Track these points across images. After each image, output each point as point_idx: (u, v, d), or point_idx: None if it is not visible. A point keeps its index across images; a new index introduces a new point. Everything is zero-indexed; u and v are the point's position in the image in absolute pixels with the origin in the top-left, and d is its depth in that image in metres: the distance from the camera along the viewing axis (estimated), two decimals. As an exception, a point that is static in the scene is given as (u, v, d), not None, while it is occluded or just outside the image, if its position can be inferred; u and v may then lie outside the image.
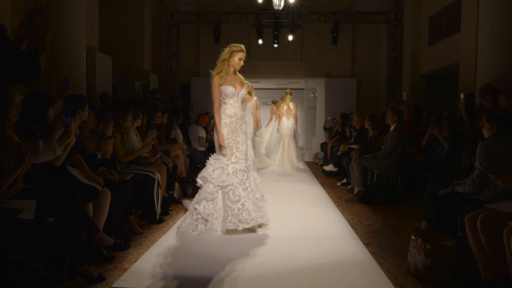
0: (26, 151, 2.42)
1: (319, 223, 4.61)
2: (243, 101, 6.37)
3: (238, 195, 4.01)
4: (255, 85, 13.47)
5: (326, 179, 7.80)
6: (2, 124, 2.13)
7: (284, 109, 9.03)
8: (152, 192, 4.37)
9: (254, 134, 8.22)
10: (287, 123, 9.02)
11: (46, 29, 2.07)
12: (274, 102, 10.73)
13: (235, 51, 4.15)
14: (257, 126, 8.31)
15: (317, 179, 7.74)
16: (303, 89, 13.82)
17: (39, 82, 2.15)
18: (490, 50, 5.96)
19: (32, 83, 2.01)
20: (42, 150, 2.81)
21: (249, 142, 6.77)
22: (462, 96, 5.96)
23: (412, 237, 3.13)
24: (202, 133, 8.11)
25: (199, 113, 9.49)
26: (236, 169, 4.14)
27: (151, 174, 4.42)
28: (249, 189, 4.18)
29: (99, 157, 3.75)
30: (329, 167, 8.12)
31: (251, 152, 6.71)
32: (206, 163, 4.23)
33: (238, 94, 4.24)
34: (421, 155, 6.21)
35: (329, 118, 11.34)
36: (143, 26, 10.62)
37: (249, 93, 6.79)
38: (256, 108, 8.02)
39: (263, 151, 9.47)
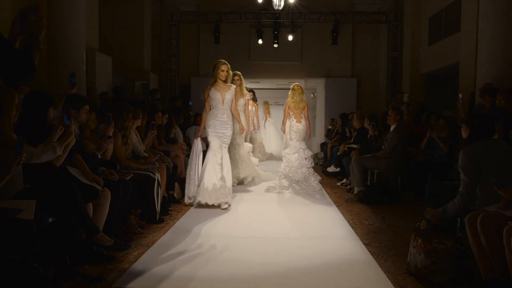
0: (12, 162, 2.40)
1: (319, 223, 4.62)
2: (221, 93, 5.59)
3: None
4: (255, 85, 13.51)
5: (326, 179, 7.79)
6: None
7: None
8: (152, 192, 4.37)
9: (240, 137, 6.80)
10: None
11: (39, 27, 2.06)
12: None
13: None
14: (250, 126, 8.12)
15: (317, 179, 7.73)
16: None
17: (39, 82, 2.16)
18: (490, 50, 5.97)
19: (26, 82, 2.00)
20: (42, 150, 2.82)
21: (225, 149, 5.49)
22: (460, 96, 5.96)
23: (412, 237, 3.13)
24: (204, 133, 8.06)
25: (196, 113, 9.47)
26: None
27: (151, 174, 4.42)
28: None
29: (99, 157, 3.74)
30: (331, 168, 8.11)
31: (227, 162, 5.46)
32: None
33: None
34: (421, 155, 6.20)
35: (330, 127, 11.39)
36: (143, 26, 10.62)
37: (225, 81, 5.41)
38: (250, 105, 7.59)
39: (254, 160, 7.79)
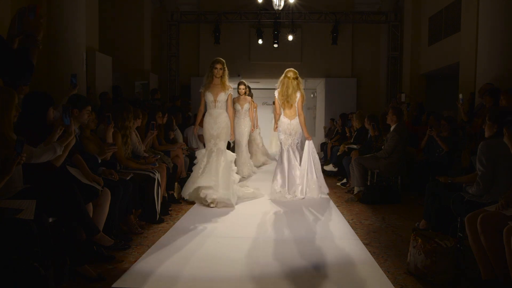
0: (12, 162, 2.39)
1: (319, 223, 4.61)
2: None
3: None
4: (255, 85, 13.51)
5: (326, 179, 7.77)
6: None
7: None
8: (152, 192, 4.37)
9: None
10: None
11: (37, 27, 2.06)
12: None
13: None
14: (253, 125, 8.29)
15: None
16: (303, 89, 13.85)
17: (39, 82, 2.16)
18: (490, 50, 5.97)
19: (24, 81, 2.00)
20: (43, 150, 2.82)
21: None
22: (461, 96, 5.96)
23: (412, 237, 3.13)
24: (201, 132, 8.07)
25: (195, 113, 9.44)
26: None
27: (151, 174, 4.42)
28: None
29: (99, 161, 3.74)
30: (329, 167, 8.12)
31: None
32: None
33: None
34: (421, 155, 6.21)
35: (325, 127, 11.44)
36: (143, 26, 10.62)
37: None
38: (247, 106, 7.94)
39: (236, 176, 5.92)
